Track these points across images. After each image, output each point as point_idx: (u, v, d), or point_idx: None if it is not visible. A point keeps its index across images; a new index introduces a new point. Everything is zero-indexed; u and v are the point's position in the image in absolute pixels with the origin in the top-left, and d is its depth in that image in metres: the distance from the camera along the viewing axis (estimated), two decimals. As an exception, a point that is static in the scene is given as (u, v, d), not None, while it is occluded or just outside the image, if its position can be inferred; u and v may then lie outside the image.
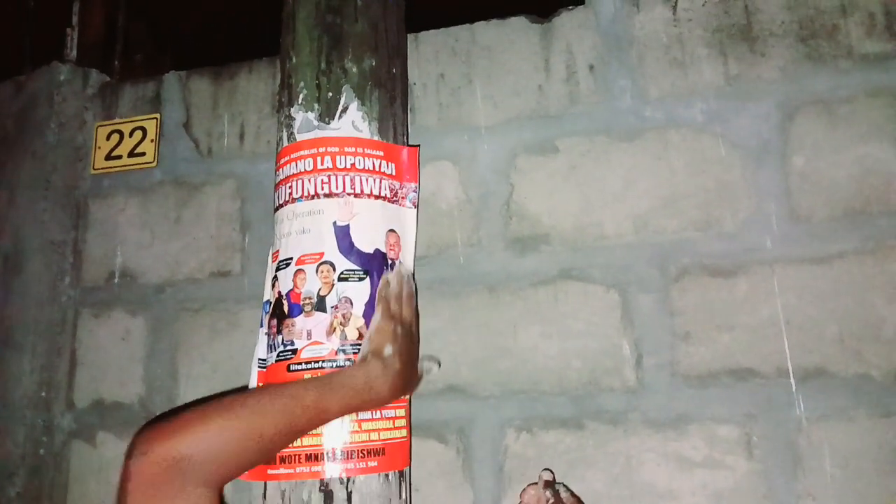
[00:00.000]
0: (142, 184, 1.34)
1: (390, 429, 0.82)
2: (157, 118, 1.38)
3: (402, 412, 0.84)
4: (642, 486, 0.97)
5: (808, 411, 0.94)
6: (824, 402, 0.94)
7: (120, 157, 1.39)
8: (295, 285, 0.84)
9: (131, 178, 1.35)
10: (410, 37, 1.21)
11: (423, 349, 1.07)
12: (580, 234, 1.09)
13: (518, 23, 1.19)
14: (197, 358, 1.21)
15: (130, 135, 1.39)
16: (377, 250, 0.87)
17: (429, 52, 1.22)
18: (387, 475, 0.82)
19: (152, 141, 1.37)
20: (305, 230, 0.85)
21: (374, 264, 0.86)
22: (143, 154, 1.37)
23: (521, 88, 1.16)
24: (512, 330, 1.07)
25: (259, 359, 0.91)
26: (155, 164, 1.35)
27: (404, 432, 0.84)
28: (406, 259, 0.92)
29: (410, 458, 0.88)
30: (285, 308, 0.85)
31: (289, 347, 0.83)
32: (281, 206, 0.90)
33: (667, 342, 1.01)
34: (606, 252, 1.07)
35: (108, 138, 1.41)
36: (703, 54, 1.10)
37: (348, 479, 0.79)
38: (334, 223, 0.85)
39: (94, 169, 1.39)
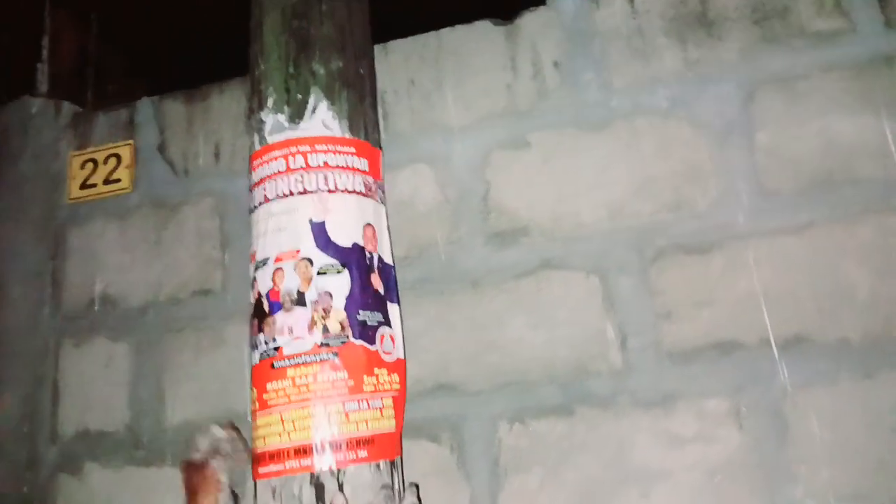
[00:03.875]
0: (119, 209, 1.33)
1: (378, 419, 0.82)
2: (131, 144, 1.38)
3: (389, 402, 0.84)
4: (636, 468, 0.97)
5: (792, 378, 0.96)
6: (807, 369, 0.96)
7: (95, 185, 1.38)
8: (274, 283, 0.85)
9: (108, 203, 1.35)
10: (379, 46, 1.23)
11: (410, 349, 1.07)
12: (557, 224, 1.10)
13: (483, 26, 1.22)
14: (183, 378, 1.19)
15: (105, 162, 1.39)
16: (355, 244, 0.88)
17: (398, 60, 1.24)
18: (378, 465, 0.81)
19: (127, 167, 1.37)
20: (281, 228, 0.86)
21: (353, 257, 0.86)
22: (118, 180, 1.37)
23: (490, 88, 1.19)
24: (497, 323, 1.08)
25: None
26: (130, 189, 1.34)
27: (393, 423, 0.84)
28: (384, 253, 0.93)
29: (401, 449, 0.87)
30: (265, 307, 0.85)
31: (271, 345, 0.83)
32: (256, 207, 0.90)
33: (649, 322, 1.02)
34: (584, 240, 1.08)
35: (82, 167, 1.40)
36: (663, 43, 1.13)
37: (339, 471, 0.78)
38: (310, 220, 0.86)
39: (70, 199, 1.38)
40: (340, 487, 0.78)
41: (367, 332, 0.84)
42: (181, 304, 1.23)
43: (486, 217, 1.13)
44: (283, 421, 0.79)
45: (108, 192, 1.37)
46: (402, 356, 0.91)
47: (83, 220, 1.35)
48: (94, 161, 1.40)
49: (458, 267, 1.12)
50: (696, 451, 0.96)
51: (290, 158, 0.88)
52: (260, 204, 0.89)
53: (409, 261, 1.13)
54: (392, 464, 0.85)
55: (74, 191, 1.39)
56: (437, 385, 1.08)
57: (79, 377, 1.24)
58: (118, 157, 1.39)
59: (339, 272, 0.84)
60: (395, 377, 0.87)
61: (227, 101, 1.33)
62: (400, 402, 0.86)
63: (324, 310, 0.82)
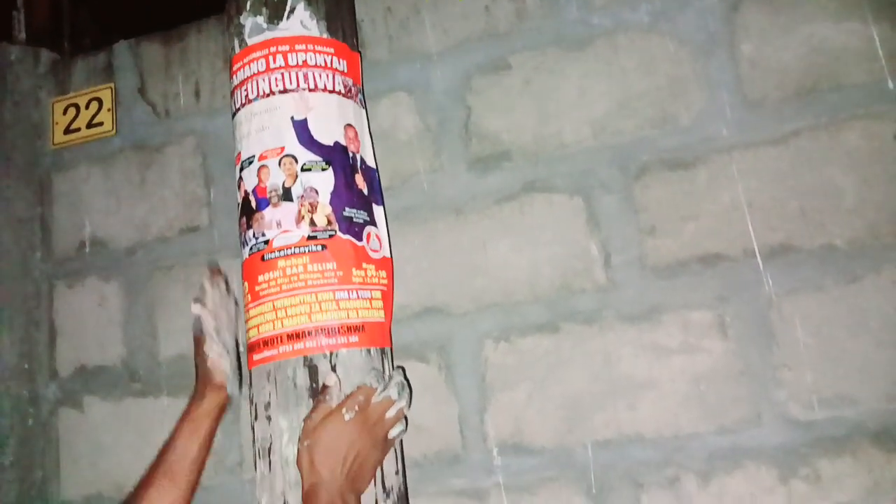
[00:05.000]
0: (102, 153, 1.33)
1: (368, 308, 0.84)
2: (111, 87, 1.37)
3: (377, 295, 0.86)
4: (622, 379, 0.98)
5: (777, 287, 0.96)
6: (792, 276, 0.95)
7: (78, 129, 1.38)
8: (260, 180, 0.86)
9: (91, 148, 1.34)
10: (355, -25, 1.20)
11: (396, 276, 1.08)
12: (540, 146, 1.09)
13: (460, -52, 1.19)
14: (174, 313, 1.21)
15: (87, 106, 1.38)
16: (337, 143, 0.88)
17: (374, -13, 1.21)
18: (369, 350, 0.84)
19: (109, 110, 1.36)
20: (264, 127, 0.87)
21: (336, 156, 0.87)
22: (101, 124, 1.36)
23: (468, 11, 1.16)
24: (482, 248, 1.08)
25: None
26: (114, 132, 1.34)
27: (382, 314, 0.86)
28: (366, 155, 0.93)
29: (391, 341, 0.89)
30: (253, 203, 0.86)
31: (260, 239, 0.85)
32: (238, 109, 0.91)
33: (634, 238, 1.02)
34: (567, 160, 1.07)
35: (64, 112, 1.39)
36: (645, -44, 1.10)
37: (332, 354, 0.81)
38: (292, 118, 0.86)
39: (54, 144, 1.38)
40: (333, 369, 0.80)
41: (353, 229, 0.86)
42: (169, 243, 1.24)
43: (467, 143, 1.12)
44: (275, 309, 0.82)
45: (91, 135, 1.36)
46: (388, 255, 0.92)
47: (67, 165, 1.35)
48: (77, 106, 1.39)
49: (440, 195, 1.12)
50: (682, 361, 0.97)
51: (270, 58, 0.88)
52: (242, 105, 0.90)
53: (393, 190, 1.13)
54: (382, 352, 0.87)
55: (59, 136, 1.38)
56: (423, 309, 1.08)
57: (74, 317, 1.27)
58: (100, 100, 1.38)
59: (323, 169, 0.85)
60: (383, 273, 0.89)
61: (205, 40, 1.31)
62: (388, 298, 0.88)
63: (310, 205, 0.83)
